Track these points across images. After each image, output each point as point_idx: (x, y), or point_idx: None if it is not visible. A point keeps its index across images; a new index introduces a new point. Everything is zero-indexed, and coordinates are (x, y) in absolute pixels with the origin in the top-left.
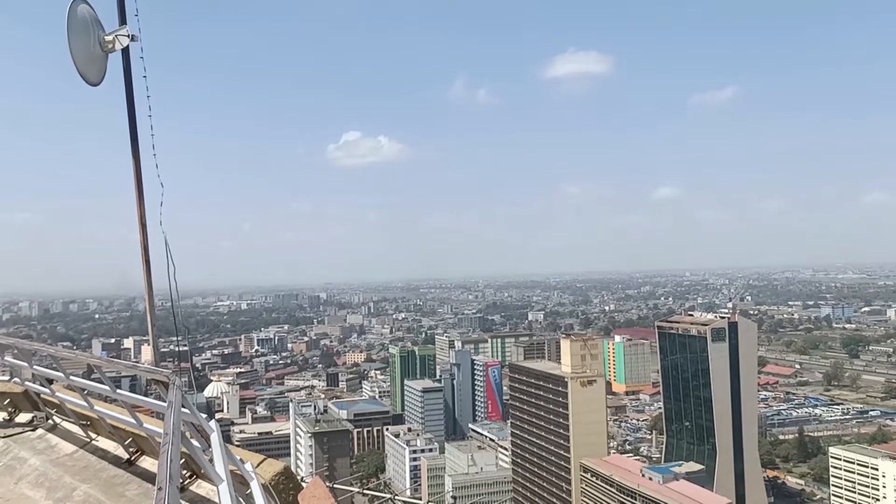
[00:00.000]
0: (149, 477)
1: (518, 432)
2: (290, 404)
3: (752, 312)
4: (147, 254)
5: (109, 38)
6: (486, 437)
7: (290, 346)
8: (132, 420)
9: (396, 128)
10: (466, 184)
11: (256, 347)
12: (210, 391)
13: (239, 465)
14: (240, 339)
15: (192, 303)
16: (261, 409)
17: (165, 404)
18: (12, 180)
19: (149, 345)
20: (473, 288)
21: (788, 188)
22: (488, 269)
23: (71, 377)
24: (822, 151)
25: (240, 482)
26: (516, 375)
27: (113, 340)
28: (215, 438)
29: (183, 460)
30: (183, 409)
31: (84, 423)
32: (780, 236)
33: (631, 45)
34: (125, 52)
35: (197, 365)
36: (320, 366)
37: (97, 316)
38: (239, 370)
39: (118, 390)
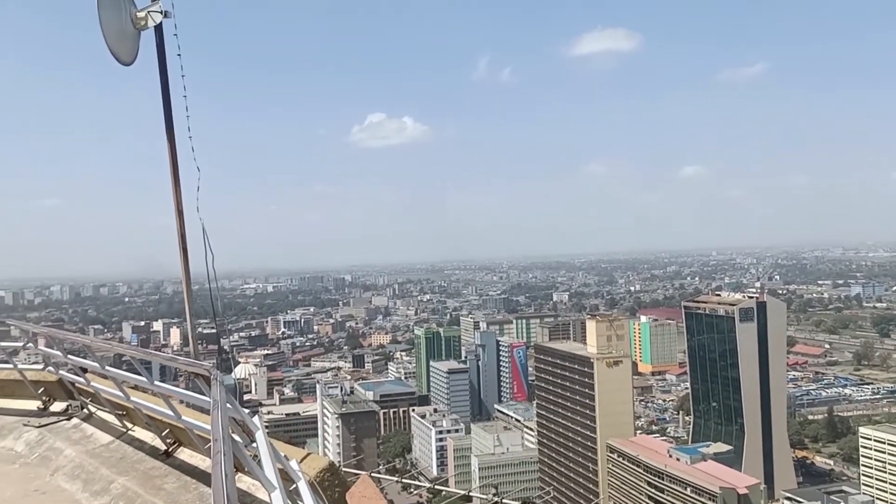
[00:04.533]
0: (187, 469)
1: (544, 413)
2: (317, 386)
3: (780, 292)
4: (184, 241)
5: (142, 14)
6: (511, 417)
7: (316, 328)
8: (169, 411)
9: (421, 108)
10: (490, 164)
11: (283, 330)
12: (238, 373)
13: (284, 463)
14: (266, 322)
15: (219, 286)
16: (288, 391)
17: (206, 398)
18: (42, 166)
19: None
20: (498, 269)
21: (818, 166)
22: (512, 250)
23: (107, 367)
24: (852, 128)
25: (283, 478)
26: (542, 356)
27: (143, 323)
28: (261, 437)
29: None
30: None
31: (120, 412)
32: (809, 215)
33: (660, 21)
34: (158, 29)
35: (225, 347)
36: (346, 347)
37: (127, 299)
38: (266, 352)
39: (155, 382)
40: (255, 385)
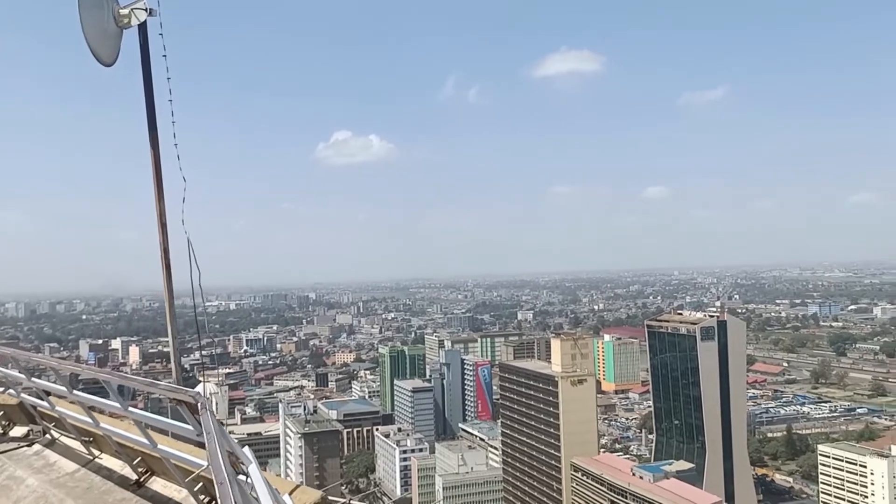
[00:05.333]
0: (160, 501)
1: (508, 432)
2: (280, 405)
3: (740, 311)
4: (167, 255)
5: (125, 11)
6: (476, 436)
7: (279, 346)
8: (142, 438)
9: (387, 127)
10: (456, 184)
11: (245, 348)
12: (198, 391)
13: (279, 498)
14: (228, 340)
15: (181, 303)
16: (250, 410)
17: (188, 426)
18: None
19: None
20: (463, 287)
21: (776, 188)
22: (478, 268)
23: (75, 392)
24: (809, 152)
25: None
26: (506, 375)
27: (101, 341)
28: (255, 472)
29: (201, 483)
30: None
31: (86, 438)
32: (767, 235)
33: (623, 44)
34: (142, 28)
35: (185, 365)
36: (310, 366)
37: (84, 317)
38: (228, 371)
39: (130, 408)
40: (217, 404)
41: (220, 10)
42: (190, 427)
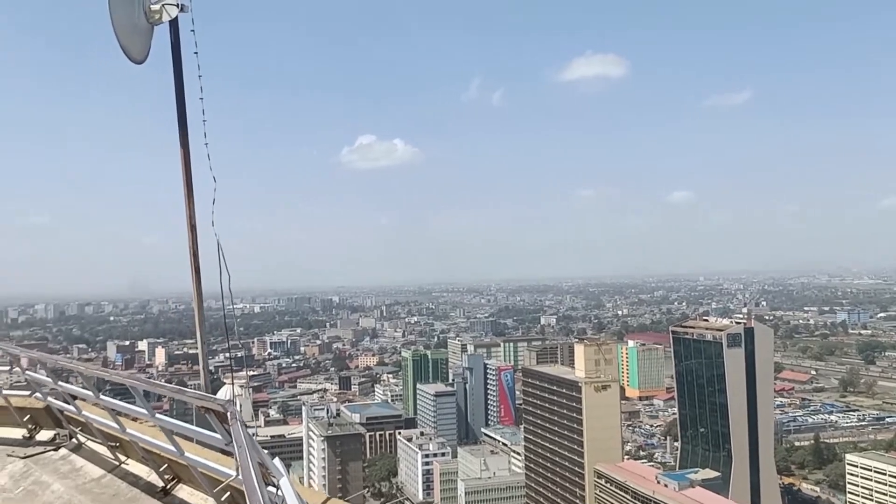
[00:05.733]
0: None
1: (531, 437)
2: (303, 408)
3: (767, 318)
4: (196, 258)
5: (156, 7)
6: (498, 441)
7: (302, 349)
8: (169, 445)
9: (411, 131)
10: (480, 187)
11: (269, 350)
12: (223, 394)
13: None
14: (253, 342)
15: (206, 305)
16: (273, 413)
17: (216, 435)
18: (25, 182)
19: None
20: (486, 292)
21: (804, 193)
22: (501, 272)
23: (101, 396)
24: (838, 155)
25: None
26: (529, 380)
27: (127, 343)
28: (286, 484)
29: (228, 493)
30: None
31: (113, 444)
32: (795, 241)
33: (648, 47)
34: (173, 24)
35: (210, 367)
36: (333, 369)
37: (112, 318)
38: (252, 373)
39: (157, 415)
40: (241, 406)
41: (245, 7)
42: (218, 436)
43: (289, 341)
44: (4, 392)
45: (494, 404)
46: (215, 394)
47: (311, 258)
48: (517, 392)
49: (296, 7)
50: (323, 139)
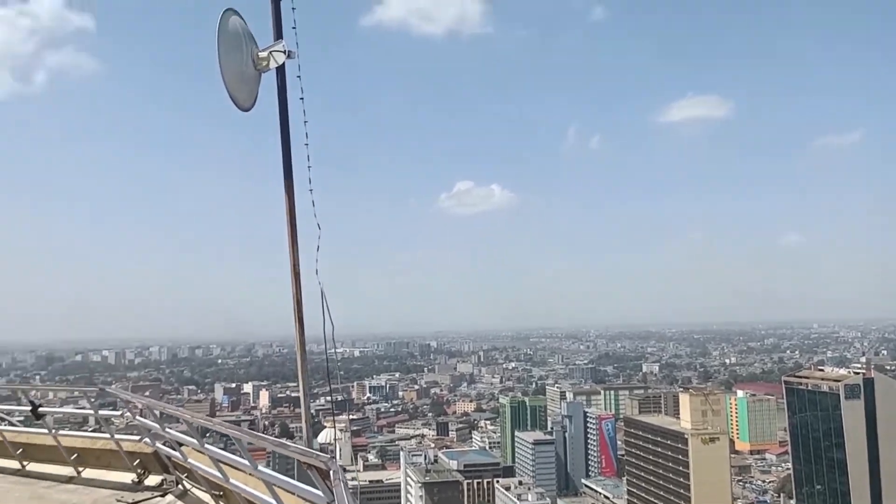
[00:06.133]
0: None
1: (635, 490)
2: (401, 453)
3: (888, 368)
4: (300, 307)
5: (264, 54)
6: (600, 493)
7: (400, 393)
8: (271, 500)
9: (508, 176)
10: (578, 231)
11: (368, 395)
12: (323, 437)
13: None
14: (352, 386)
15: (308, 349)
16: (372, 457)
17: (317, 492)
18: (138, 236)
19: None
20: (584, 338)
21: None
22: (600, 318)
23: (206, 445)
24: None
25: None
26: (632, 430)
27: (234, 385)
28: None
29: None
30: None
31: (216, 492)
32: None
33: (751, 87)
34: (280, 70)
35: (311, 410)
36: (430, 414)
37: (220, 361)
38: (351, 416)
39: (259, 467)
40: (340, 450)
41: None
42: (319, 493)
43: (387, 386)
44: (116, 436)
45: (595, 454)
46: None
47: (409, 303)
48: (618, 442)
49: (397, 59)
50: (421, 186)
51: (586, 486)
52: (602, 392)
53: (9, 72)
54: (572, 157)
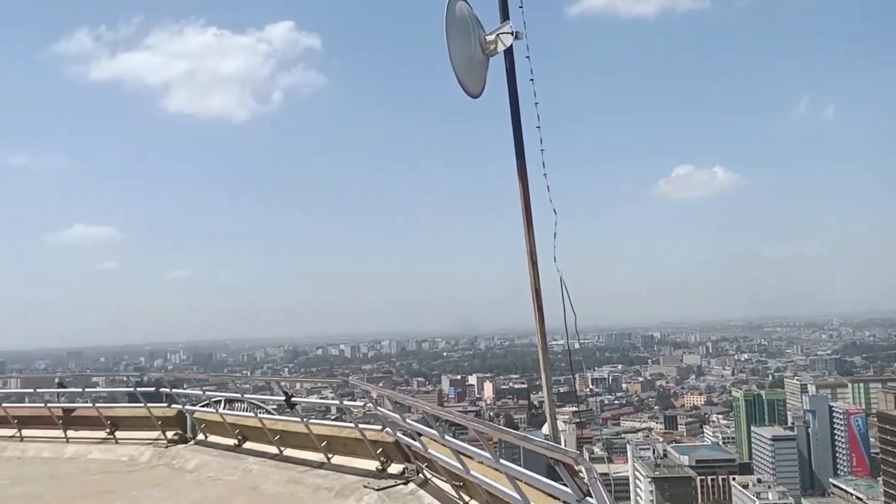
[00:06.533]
0: None
1: (893, 492)
2: (628, 446)
3: None
4: (539, 295)
5: (491, 38)
6: (851, 494)
7: (624, 385)
8: (514, 493)
9: (731, 157)
10: (811, 211)
11: (591, 387)
12: (546, 429)
13: None
14: (574, 378)
15: (528, 341)
16: (597, 450)
17: (565, 489)
18: (372, 235)
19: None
20: (826, 326)
21: None
22: (844, 305)
23: (446, 436)
24: None
25: None
26: (887, 426)
27: (459, 377)
28: None
29: None
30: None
31: (457, 483)
32: None
33: None
34: (508, 53)
35: (534, 402)
36: (657, 407)
37: (445, 354)
38: (574, 409)
39: (502, 461)
40: (565, 442)
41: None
42: (568, 489)
43: (610, 378)
44: (360, 426)
45: (843, 452)
46: (540, 428)
47: (629, 293)
48: (871, 439)
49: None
50: (636, 173)
51: (834, 485)
52: (849, 385)
53: (251, 95)
54: (804, 132)
